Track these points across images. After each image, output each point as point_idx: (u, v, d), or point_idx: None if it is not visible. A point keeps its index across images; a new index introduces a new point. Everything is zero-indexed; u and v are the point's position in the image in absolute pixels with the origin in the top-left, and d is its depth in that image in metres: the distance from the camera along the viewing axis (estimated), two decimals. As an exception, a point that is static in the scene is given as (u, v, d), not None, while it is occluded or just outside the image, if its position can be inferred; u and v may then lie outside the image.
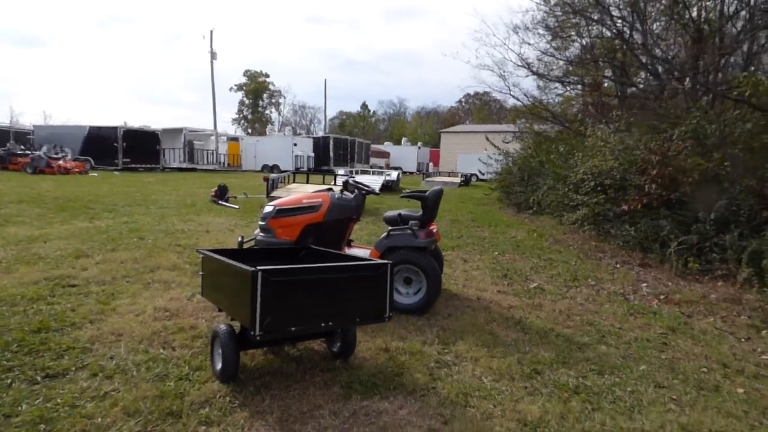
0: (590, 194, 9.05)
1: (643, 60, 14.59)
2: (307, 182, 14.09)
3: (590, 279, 6.28)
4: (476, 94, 67.76)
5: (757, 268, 5.89)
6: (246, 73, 69.18)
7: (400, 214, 4.68)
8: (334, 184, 13.98)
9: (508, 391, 3.08)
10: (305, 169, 33.02)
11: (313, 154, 34.00)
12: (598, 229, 8.86)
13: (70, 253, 5.76)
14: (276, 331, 2.62)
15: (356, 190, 4.92)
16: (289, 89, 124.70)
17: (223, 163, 32.97)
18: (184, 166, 29.32)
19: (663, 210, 7.50)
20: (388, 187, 19.17)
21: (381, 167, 39.80)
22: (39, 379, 2.80)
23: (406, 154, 42.70)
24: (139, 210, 10.22)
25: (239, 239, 5.18)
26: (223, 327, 2.98)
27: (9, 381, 2.74)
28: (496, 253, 7.73)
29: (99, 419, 2.44)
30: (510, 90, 18.71)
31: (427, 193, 4.70)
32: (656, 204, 7.73)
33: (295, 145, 33.38)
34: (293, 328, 2.70)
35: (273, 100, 72.45)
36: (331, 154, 34.14)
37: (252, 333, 2.55)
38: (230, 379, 2.90)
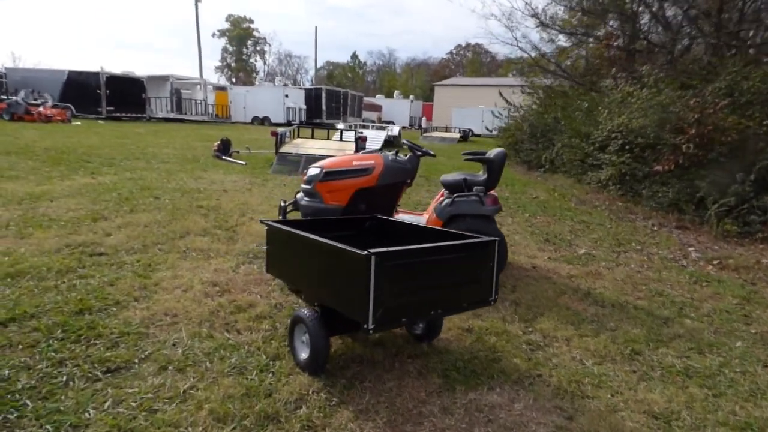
0: (618, 153, 8.72)
1: (654, 9, 13.97)
2: (312, 137, 13.45)
3: (634, 243, 6.03)
4: (467, 45, 65.86)
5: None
6: (229, 18, 65.77)
7: (465, 179, 4.26)
8: (341, 140, 13.39)
9: (617, 376, 2.82)
10: (297, 121, 32.00)
11: (305, 107, 32.84)
12: (625, 189, 8.59)
13: (85, 214, 5.25)
14: (389, 323, 2.26)
15: (411, 152, 4.47)
16: (274, 36, 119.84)
17: (212, 114, 31.61)
18: (171, 116, 28.02)
19: (700, 171, 7.24)
20: (390, 143, 18.57)
21: (373, 121, 38.86)
22: (99, 374, 2.41)
23: (399, 108, 41.60)
24: (140, 165, 9.58)
25: (281, 204, 4.74)
26: (307, 312, 2.60)
27: (65, 378, 2.35)
28: (527, 215, 7.43)
29: (188, 428, 2.09)
30: (518, 42, 17.99)
31: (491, 155, 4.28)
32: (688, 164, 7.46)
33: (287, 96, 32.10)
34: (404, 319, 2.34)
35: (258, 48, 69.37)
36: (324, 106, 33.01)
37: (365, 326, 2.18)
38: (320, 370, 2.56)
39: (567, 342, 3.21)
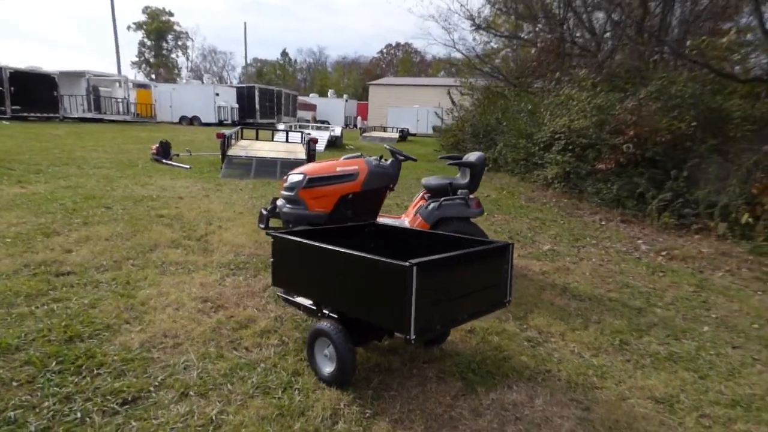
0: (561, 153, 9.29)
1: (583, 17, 15.04)
2: (257, 138, 13.07)
3: (588, 238, 6.48)
4: (398, 44, 66.87)
5: (731, 223, 6.45)
6: (146, 10, 61.72)
7: (451, 183, 4.37)
8: (287, 141, 13.11)
9: (615, 366, 3.05)
10: (229, 121, 30.83)
11: (237, 106, 31.67)
12: (569, 186, 9.18)
13: (32, 229, 4.76)
14: (427, 332, 2.28)
15: (393, 157, 4.51)
16: (197, 31, 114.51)
17: (134, 113, 29.58)
18: (89, 116, 25.86)
19: (638, 168, 7.90)
20: (333, 144, 18.42)
21: (308, 121, 38.34)
22: (116, 407, 2.23)
23: (333, 107, 41.34)
24: (72, 171, 8.80)
25: (262, 212, 4.60)
26: (330, 324, 2.57)
27: (78, 414, 2.15)
28: (486, 214, 7.71)
29: (234, 455, 2.00)
30: (455, 43, 18.58)
31: (473, 159, 4.42)
32: (626, 163, 8.12)
33: (218, 95, 30.77)
34: (439, 326, 2.38)
35: (180, 43, 65.80)
36: (257, 106, 32.02)
37: (407, 337, 2.19)
38: (347, 383, 2.54)
39: (562, 336, 3.41)
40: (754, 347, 3.43)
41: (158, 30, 62.85)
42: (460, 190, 4.34)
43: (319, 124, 29.89)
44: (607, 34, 14.89)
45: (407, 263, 2.15)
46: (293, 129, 17.54)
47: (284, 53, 71.47)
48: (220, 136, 10.75)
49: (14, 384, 2.30)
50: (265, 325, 3.17)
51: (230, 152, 10.27)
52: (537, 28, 17.25)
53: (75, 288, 3.47)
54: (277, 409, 2.32)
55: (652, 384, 2.84)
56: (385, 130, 28.14)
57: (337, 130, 19.04)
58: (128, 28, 62.30)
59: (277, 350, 2.89)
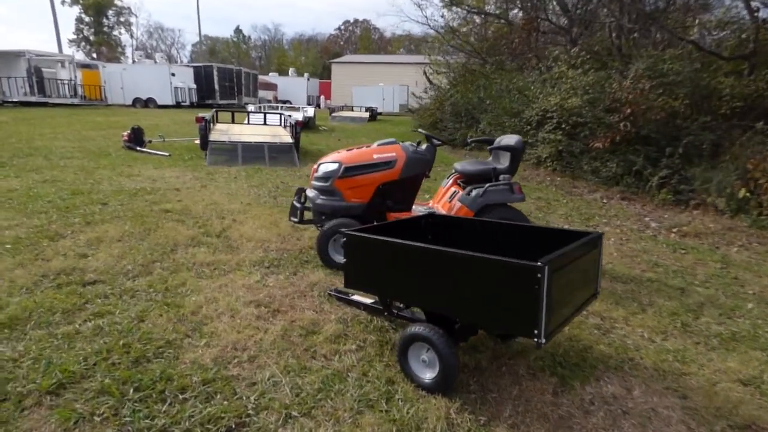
0: (554, 132, 9.35)
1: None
2: (233, 122, 12.47)
3: (598, 217, 6.57)
4: (356, 21, 65.49)
5: (727, 198, 6.70)
6: (82, -17, 57.13)
7: (495, 168, 4.24)
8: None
9: (688, 349, 3.07)
10: (187, 103, 29.39)
11: (194, 86, 30.16)
12: (563, 165, 9.28)
13: (32, 232, 4.30)
14: (552, 333, 2.17)
15: (428, 142, 4.33)
16: (141, 7, 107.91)
17: (82, 95, 27.59)
18: (32, 99, 23.93)
19: (633, 146, 8.05)
20: (306, 125, 17.87)
21: (269, 101, 37.12)
22: (223, 436, 2.01)
23: (295, 87, 40.15)
24: (40, 162, 8.08)
25: (296, 204, 4.33)
26: (426, 328, 2.42)
27: (183, 448, 1.92)
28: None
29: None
30: (428, 20, 18.29)
31: (513, 143, 4.30)
32: (621, 140, 8.26)
33: (173, 75, 29.14)
34: (559, 326, 2.28)
35: (122, 19, 61.64)
36: (217, 86, 30.62)
37: (535, 340, 2.07)
38: (450, 388, 2.42)
39: (626, 322, 3.41)
40: (798, 321, 3.56)
41: (97, 5, 58.51)
42: (502, 176, 4.22)
43: (281, 104, 29.02)
44: (579, 12, 15.03)
45: (539, 263, 2.03)
46: (263, 110, 16.88)
47: (238, 30, 68.49)
48: (199, 120, 10.16)
49: (97, 419, 2.03)
50: (332, 329, 2.98)
51: (212, 138, 9.73)
52: (508, 4, 17.21)
53: (111, 299, 3.14)
54: (392, 424, 2.17)
55: (733, 366, 2.87)
56: (352, 109, 27.66)
57: (310, 111, 18.48)
58: (62, 2, 57.66)
59: (358, 357, 2.71)
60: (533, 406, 2.42)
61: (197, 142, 11.63)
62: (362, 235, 2.66)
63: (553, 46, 15.11)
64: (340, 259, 4.05)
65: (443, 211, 4.44)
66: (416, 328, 2.47)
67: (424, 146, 4.30)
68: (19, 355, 2.41)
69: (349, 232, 2.71)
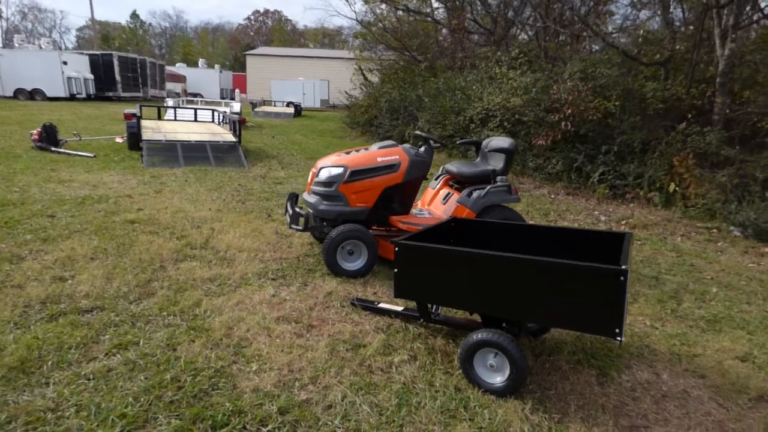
0: (497, 130, 9.83)
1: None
2: (160, 118, 11.54)
3: (552, 213, 7.05)
4: (266, 11, 63.41)
5: (660, 193, 7.53)
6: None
7: (494, 170, 4.36)
8: (195, 120, 11.75)
9: (685, 333, 3.42)
10: (83, 95, 26.57)
11: (91, 77, 27.32)
12: (505, 162, 9.77)
13: (-19, 255, 3.68)
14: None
15: (425, 144, 4.35)
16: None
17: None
18: None
19: (573, 144, 8.71)
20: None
21: (178, 93, 34.78)
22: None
23: (206, 79, 37.99)
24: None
25: (299, 210, 4.14)
26: (494, 335, 2.47)
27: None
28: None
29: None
30: (357, 15, 18.20)
31: (507, 145, 4.46)
32: (561, 138, 8.90)
33: (65, 63, 26.12)
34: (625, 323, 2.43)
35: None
36: (118, 77, 28.00)
37: (617, 339, 2.21)
38: (521, 389, 2.49)
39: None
40: (758, 300, 4.12)
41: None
42: (499, 177, 4.37)
43: (193, 98, 27.30)
44: (502, 12, 15.86)
45: (621, 267, 2.16)
46: (181, 105, 15.76)
47: (134, 15, 62.93)
48: (129, 117, 9.29)
49: (189, 467, 1.82)
50: (376, 340, 2.92)
51: (145, 136, 8.93)
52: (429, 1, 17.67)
53: (124, 327, 2.80)
54: (480, 431, 2.19)
55: (727, 345, 3.26)
56: (274, 104, 26.80)
57: (236, 106, 17.60)
58: None
59: (415, 367, 2.69)
60: (588, 398, 2.57)
61: (120, 140, 10.64)
62: (424, 245, 2.65)
63: (479, 47, 15.87)
64: (349, 266, 3.97)
65: (439, 213, 4.51)
66: (484, 335, 2.50)
67: (422, 149, 4.32)
68: (56, 404, 2.07)
69: (405, 242, 2.68)
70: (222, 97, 38.13)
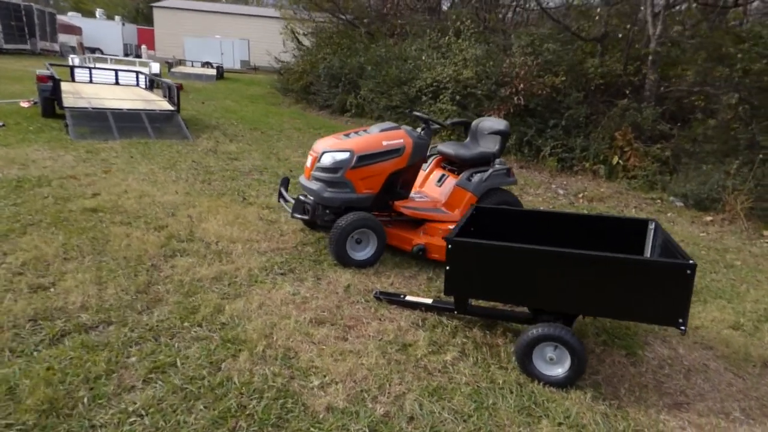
0: (449, 102, 9.84)
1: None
2: (73, 79, 10.12)
3: (514, 188, 7.26)
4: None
5: (604, 165, 8.04)
6: None
7: (494, 153, 4.31)
8: (116, 83, 10.41)
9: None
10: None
11: (-37, 26, 23.20)
12: (457, 135, 9.86)
13: None
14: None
15: (425, 125, 4.20)
16: None
17: None
18: None
19: (525, 118, 8.96)
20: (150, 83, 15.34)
21: (73, 47, 30.76)
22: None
23: (106, 32, 33.83)
24: None
25: (302, 199, 3.83)
26: (555, 329, 2.50)
27: None
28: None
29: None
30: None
31: (503, 127, 4.42)
32: (513, 112, 9.12)
33: (-73, 8, 21.88)
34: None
35: None
36: (-1, 26, 23.99)
37: (682, 328, 2.33)
38: (580, 378, 2.57)
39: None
40: (722, 269, 4.58)
41: None
42: (497, 159, 4.36)
43: (91, 52, 24.31)
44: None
45: (690, 261, 2.25)
46: (88, 64, 13.87)
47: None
48: (44, 79, 8.02)
49: None
50: (421, 339, 2.84)
51: (67, 103, 7.77)
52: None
53: (148, 345, 2.44)
54: (563, 427, 2.23)
55: (717, 316, 3.60)
56: (192, 64, 24.66)
57: (155, 67, 15.94)
58: None
59: (469, 364, 2.66)
60: (630, 379, 2.72)
61: (26, 104, 9.25)
62: (482, 242, 2.57)
63: (414, 13, 15.61)
64: (359, 256, 3.79)
65: (435, 197, 4.42)
66: (545, 330, 2.52)
67: (421, 130, 4.16)
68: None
69: (459, 240, 2.58)
70: (126, 54, 34.34)
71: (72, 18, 33.30)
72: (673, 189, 6.95)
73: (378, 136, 3.91)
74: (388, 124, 4.14)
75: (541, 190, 7.14)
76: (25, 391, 1.99)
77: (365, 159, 3.77)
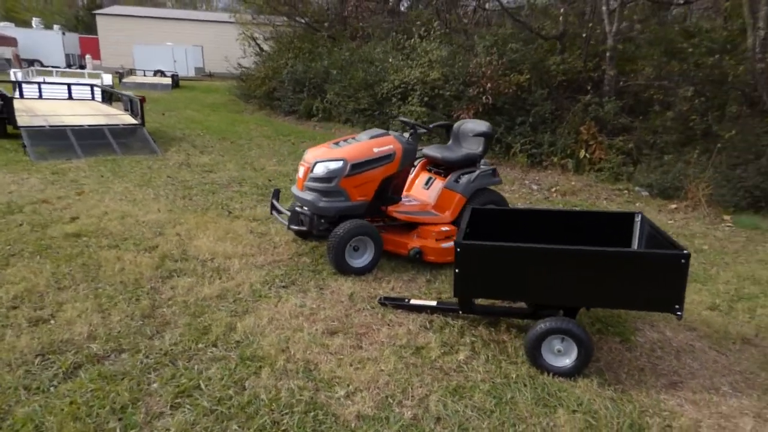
0: (418, 104, 9.99)
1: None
2: (21, 96, 9.64)
3: (488, 183, 7.48)
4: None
5: (572, 159, 8.38)
6: None
7: (480, 155, 4.44)
8: (70, 97, 10.00)
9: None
10: None
11: None
12: (427, 136, 10.03)
13: None
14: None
15: (411, 130, 4.29)
16: None
17: None
18: None
19: (494, 117, 9.20)
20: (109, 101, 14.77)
21: (8, 59, 29.15)
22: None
23: (46, 42, 32.18)
24: None
25: (299, 210, 3.83)
26: (562, 322, 2.65)
27: None
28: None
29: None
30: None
31: (486, 128, 4.56)
32: (482, 111, 9.36)
33: None
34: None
35: None
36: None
37: (678, 314, 2.52)
38: (586, 367, 2.72)
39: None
40: (692, 254, 4.89)
41: None
42: (482, 160, 4.50)
43: (30, 64, 23.15)
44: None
45: (685, 251, 2.44)
46: (30, 76, 13.25)
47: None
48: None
49: None
50: (432, 341, 2.92)
51: (21, 122, 7.41)
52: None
53: (167, 370, 2.41)
54: (578, 414, 2.37)
55: (696, 299, 3.86)
56: (144, 74, 23.88)
57: (107, 78, 15.35)
58: None
59: (481, 362, 2.77)
60: (628, 364, 2.90)
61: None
62: (490, 244, 2.68)
63: (374, 15, 15.71)
64: (357, 263, 3.84)
65: (424, 200, 4.52)
66: (553, 323, 2.66)
67: (408, 135, 4.25)
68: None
69: (467, 243, 2.69)
70: (69, 65, 32.84)
71: (5, 28, 31.46)
72: (638, 179, 7.34)
73: (369, 143, 3.97)
74: (376, 130, 4.21)
75: (515, 186, 7.37)
76: (53, 428, 1.94)
77: (358, 167, 3.82)
